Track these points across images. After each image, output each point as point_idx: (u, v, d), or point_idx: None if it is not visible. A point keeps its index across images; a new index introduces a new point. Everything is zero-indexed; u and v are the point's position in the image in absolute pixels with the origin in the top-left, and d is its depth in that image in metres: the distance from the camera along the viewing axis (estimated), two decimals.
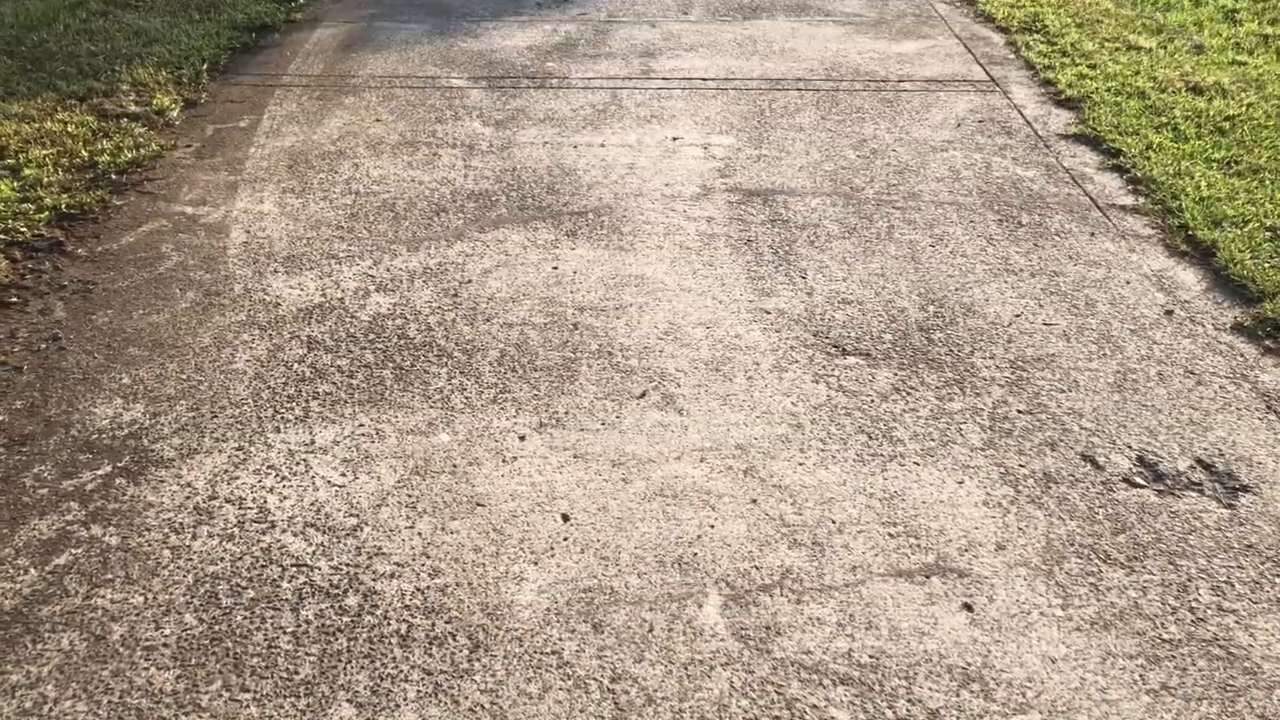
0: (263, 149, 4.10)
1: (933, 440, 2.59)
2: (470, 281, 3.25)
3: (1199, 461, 2.53)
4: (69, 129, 4.08)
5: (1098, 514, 2.36)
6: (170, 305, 3.11)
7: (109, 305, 3.11)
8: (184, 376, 2.81)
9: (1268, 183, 3.78)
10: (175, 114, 4.35)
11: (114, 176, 3.80)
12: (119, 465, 2.48)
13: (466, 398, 2.74)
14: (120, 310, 3.09)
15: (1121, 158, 4.01)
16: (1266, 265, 3.25)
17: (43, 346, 2.93)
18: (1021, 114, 4.47)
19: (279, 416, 2.66)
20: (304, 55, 5.08)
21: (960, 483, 2.45)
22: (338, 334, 2.99)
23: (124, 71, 4.66)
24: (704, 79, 4.86)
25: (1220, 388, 2.78)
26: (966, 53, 5.18)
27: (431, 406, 2.70)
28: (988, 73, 4.91)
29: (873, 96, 4.66)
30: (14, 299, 3.12)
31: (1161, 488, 2.45)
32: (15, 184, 3.64)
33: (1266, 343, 2.96)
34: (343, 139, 4.21)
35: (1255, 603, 2.14)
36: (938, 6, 5.88)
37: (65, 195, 3.62)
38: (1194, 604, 2.13)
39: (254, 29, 5.34)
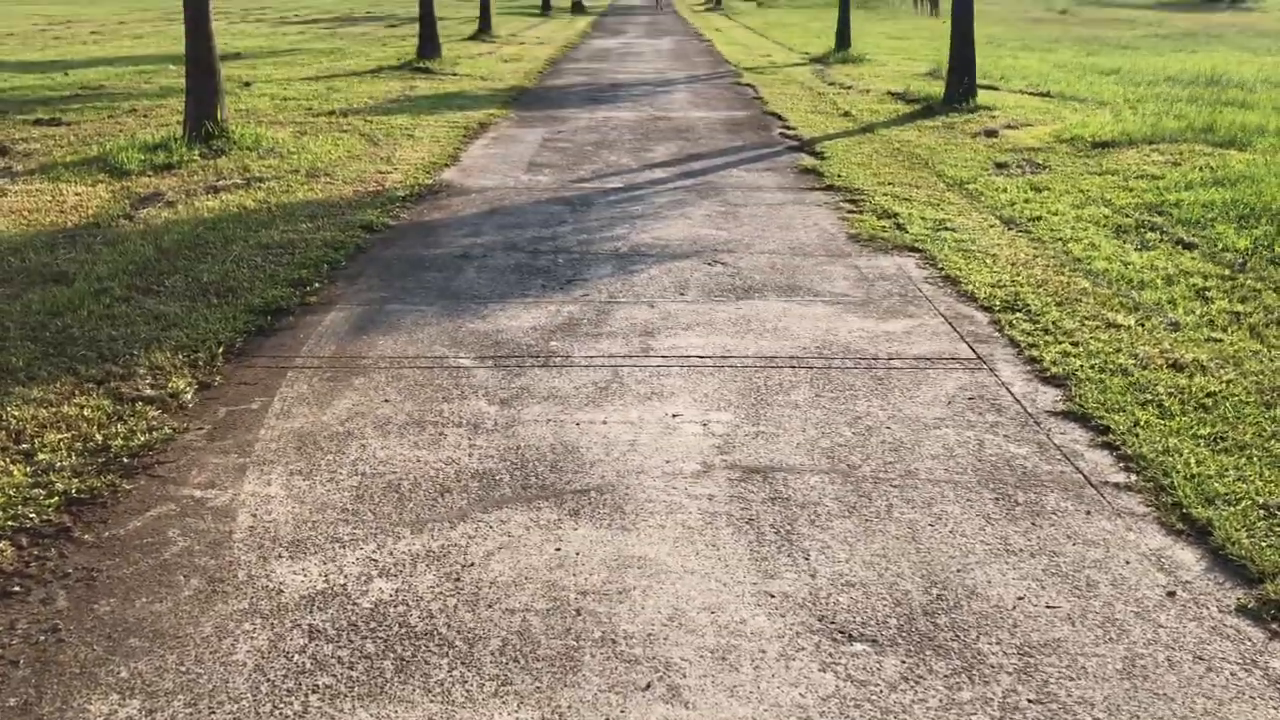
0: (273, 431, 4.21)
1: None
2: (473, 564, 3.27)
3: None
4: (85, 412, 4.20)
5: None
6: (173, 593, 3.11)
7: (112, 593, 3.11)
8: (184, 669, 2.78)
9: (1255, 460, 3.87)
10: (189, 397, 4.49)
11: (126, 460, 3.88)
12: None
13: (468, 690, 2.70)
14: (123, 599, 3.08)
15: (1110, 434, 4.12)
16: (1264, 545, 3.28)
17: (41, 639, 2.90)
18: (1010, 391, 4.62)
19: (277, 712, 2.61)
20: (317, 337, 5.28)
21: None
22: (339, 622, 2.98)
23: (142, 355, 4.85)
24: (701, 357, 5.05)
25: (1231, 674, 2.75)
26: (952, 331, 5.40)
27: (432, 701, 2.66)
28: (974, 351, 5.11)
29: (864, 374, 4.83)
30: (16, 588, 3.12)
31: None
32: (29, 469, 3.72)
33: (1273, 626, 2.95)
34: (351, 420, 4.32)
35: None
36: (922, 287, 6.17)
37: (76, 479, 3.69)
38: None
39: (269, 312, 5.57)
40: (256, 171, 9.17)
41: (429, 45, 20.27)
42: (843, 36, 23.80)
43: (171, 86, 15.38)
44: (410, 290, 6.11)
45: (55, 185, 8.58)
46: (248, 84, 15.90)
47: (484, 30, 28.77)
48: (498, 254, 6.88)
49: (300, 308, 5.74)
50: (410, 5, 42.65)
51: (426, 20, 20.47)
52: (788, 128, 12.67)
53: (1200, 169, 9.44)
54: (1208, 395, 4.50)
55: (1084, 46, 26.47)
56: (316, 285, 6.11)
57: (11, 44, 24.15)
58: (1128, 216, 7.84)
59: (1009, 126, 12.20)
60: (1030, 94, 15.44)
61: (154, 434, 4.07)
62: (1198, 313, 5.66)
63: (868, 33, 30.10)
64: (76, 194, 8.27)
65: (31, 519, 3.44)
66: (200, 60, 10.26)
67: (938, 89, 14.84)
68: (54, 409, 4.23)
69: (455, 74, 18.38)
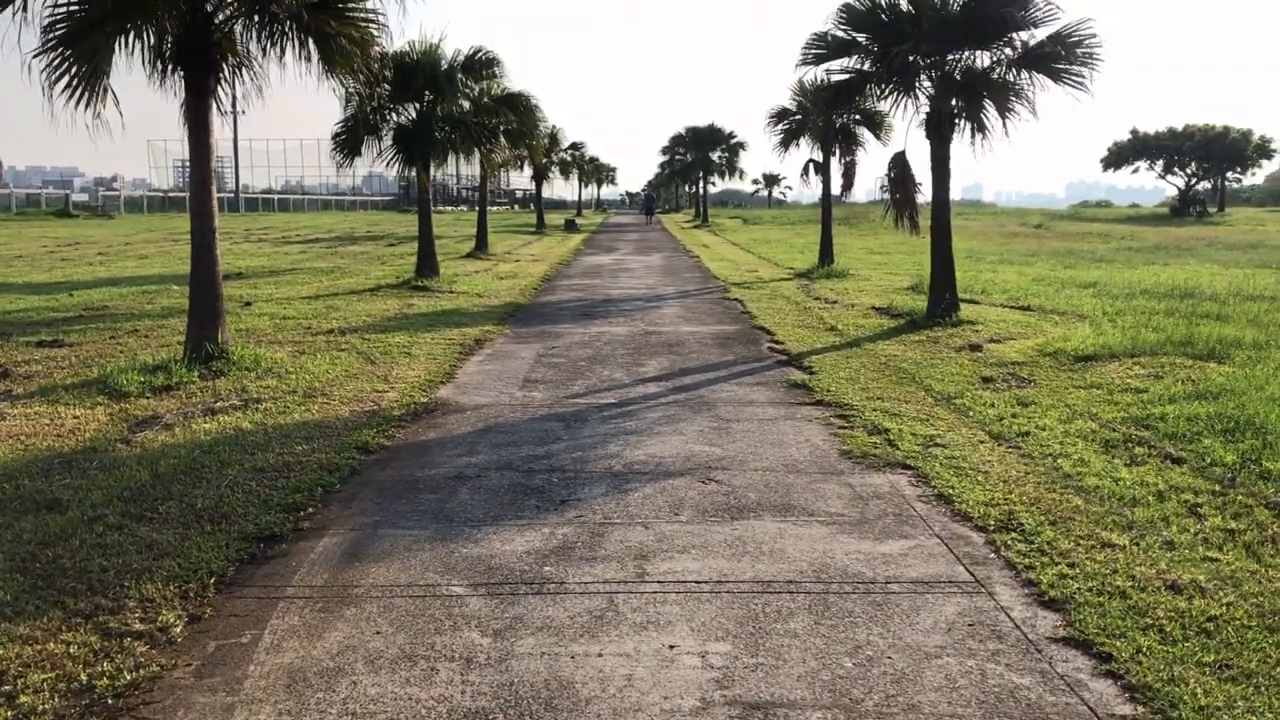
0: (262, 666, 4.12)
1: None
2: None
3: None
4: (71, 650, 4.12)
5: None
6: None
7: None
8: None
9: (1263, 689, 3.81)
10: (178, 630, 4.41)
11: (110, 701, 3.78)
12: None
13: None
14: None
15: (1114, 662, 4.06)
16: None
17: None
18: (1009, 616, 4.57)
19: None
20: (309, 565, 5.24)
21: None
22: None
23: (133, 587, 4.79)
24: (698, 582, 5.00)
25: None
26: (949, 552, 5.38)
27: None
28: (971, 574, 5.08)
29: (863, 599, 4.78)
30: None
31: None
32: (10, 712, 3.62)
33: None
34: (342, 654, 4.24)
35: None
36: (916, 506, 6.19)
37: None
38: None
39: (262, 539, 5.55)
40: (254, 392, 9.30)
41: (427, 264, 20.93)
42: (826, 252, 24.67)
43: (173, 306, 15.77)
44: (404, 514, 6.10)
45: (54, 408, 8.67)
46: (248, 303, 16.30)
47: (481, 248, 29.77)
48: (492, 474, 6.91)
49: (293, 534, 5.71)
50: (409, 224, 44.20)
51: (425, 241, 21.19)
52: (776, 342, 12.97)
53: (1182, 382, 9.63)
54: (1209, 619, 4.45)
55: (1060, 260, 27.43)
56: (310, 510, 6.10)
57: (20, 266, 24.85)
58: (1114, 431, 7.95)
59: (992, 340, 12.51)
60: (1011, 308, 15.89)
61: (141, 672, 3.98)
62: (1192, 530, 5.67)
63: (850, 248, 31.21)
64: (75, 417, 8.35)
65: None
66: (204, 285, 10.57)
67: (921, 303, 15.29)
68: (39, 646, 4.15)
69: (452, 291, 18.90)
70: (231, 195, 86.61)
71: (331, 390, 9.51)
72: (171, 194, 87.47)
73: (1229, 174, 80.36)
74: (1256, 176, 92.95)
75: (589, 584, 5.00)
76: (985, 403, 9.06)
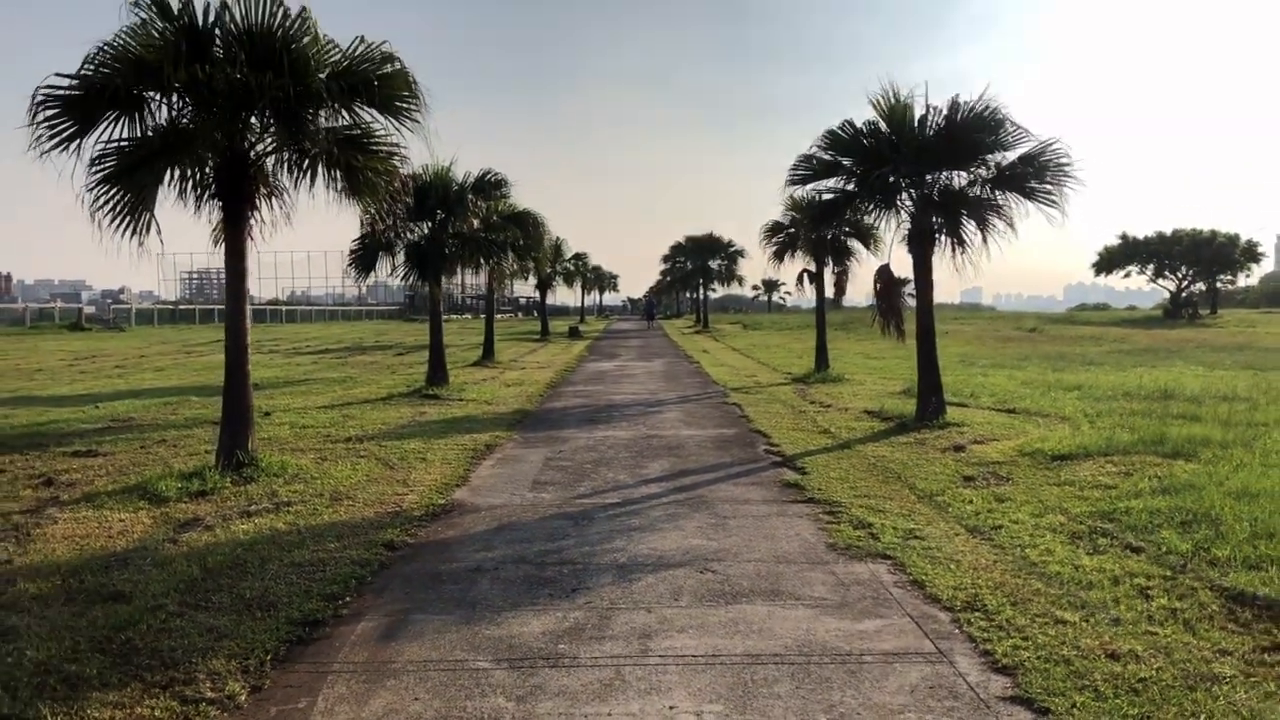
0: None
1: None
2: None
3: None
4: (156, 713, 4.81)
5: None
6: None
7: None
8: None
9: None
10: (243, 698, 5.09)
11: None
12: None
13: None
14: None
15: (1050, 715, 4.73)
16: None
17: None
18: (966, 680, 5.24)
19: None
20: (350, 645, 5.92)
21: None
22: None
23: (200, 663, 5.48)
24: (695, 656, 5.67)
25: None
26: (918, 629, 6.06)
27: None
28: (936, 646, 5.76)
29: (839, 668, 5.46)
30: None
31: None
32: None
33: None
34: (386, 716, 4.91)
35: None
36: (892, 590, 6.87)
37: None
38: None
39: (307, 624, 6.23)
40: (285, 496, 10.02)
41: (438, 373, 21.79)
42: (821, 358, 25.53)
43: (195, 417, 16.55)
44: (431, 601, 6.78)
45: (100, 512, 9.38)
46: (267, 413, 17.07)
47: (488, 356, 30.70)
48: (508, 566, 7.59)
49: (334, 619, 6.39)
50: (415, 333, 45.32)
51: (435, 350, 22.10)
52: (772, 444, 13.71)
53: (1149, 479, 10.32)
54: (1139, 680, 5.12)
55: (1051, 364, 28.18)
56: (347, 599, 6.78)
57: (42, 379, 25.69)
58: (1081, 524, 8.64)
59: (976, 442, 13.24)
60: (997, 410, 16.65)
61: None
62: (1138, 609, 6.34)
63: (847, 353, 32.07)
64: (121, 520, 9.06)
65: None
66: (236, 397, 11.38)
67: (910, 406, 16.05)
68: (129, 710, 4.83)
69: (462, 399, 19.71)
70: None
71: (355, 493, 10.23)
72: (181, 306, 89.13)
73: (1220, 276, 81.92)
74: (1251, 277, 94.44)
75: (599, 658, 5.67)
76: (964, 499, 9.76)
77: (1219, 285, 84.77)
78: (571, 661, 5.63)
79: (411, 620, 6.38)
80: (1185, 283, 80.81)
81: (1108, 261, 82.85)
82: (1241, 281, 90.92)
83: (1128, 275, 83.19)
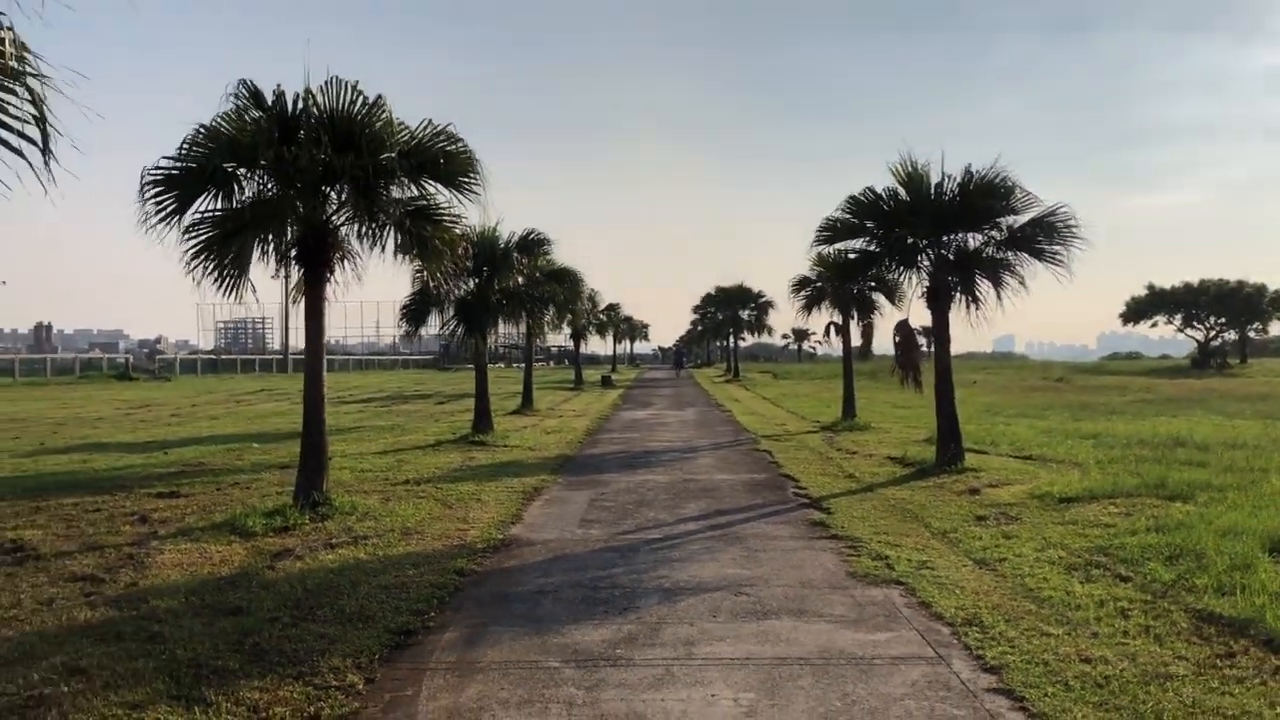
0: (427, 706, 5.89)
1: None
2: None
3: None
4: (295, 694, 5.93)
5: None
6: None
7: None
8: None
9: (1126, 716, 5.48)
10: (360, 686, 6.20)
11: None
12: None
13: None
14: None
15: (1025, 701, 5.77)
16: None
17: None
18: (959, 677, 6.28)
19: None
20: (441, 649, 7.02)
21: None
22: None
23: (320, 660, 6.60)
24: (731, 659, 6.73)
25: None
26: (922, 639, 7.10)
27: None
28: (936, 652, 6.80)
29: (853, 668, 6.50)
30: None
31: None
32: None
33: None
34: (480, 700, 6.00)
35: None
36: (903, 610, 7.91)
37: None
38: None
39: (401, 632, 7.34)
40: (360, 532, 11.17)
41: (483, 420, 22.98)
42: (849, 407, 26.54)
43: (261, 462, 17.78)
44: (503, 617, 7.87)
45: (198, 545, 10.54)
46: (329, 458, 18.29)
47: (526, 404, 31.92)
48: (566, 590, 8.68)
49: (423, 629, 7.50)
50: (453, 382, 46.61)
51: (481, 399, 23.32)
52: (800, 488, 14.76)
53: (1147, 518, 11.28)
54: (1105, 677, 6.14)
55: (1073, 413, 28.93)
56: (431, 614, 7.89)
57: (105, 427, 27.09)
58: (1079, 557, 9.62)
59: (990, 485, 14.23)
60: (1014, 457, 17.62)
61: (346, 708, 5.77)
62: (1116, 625, 7.34)
63: (875, 401, 32.97)
64: (219, 551, 10.22)
65: None
66: (313, 441, 12.60)
67: (932, 453, 17.04)
68: (273, 693, 5.95)
69: (506, 445, 20.88)
70: (280, 356, 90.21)
71: (423, 529, 11.36)
72: (222, 356, 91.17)
73: (1251, 326, 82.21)
74: None
75: (651, 659, 6.74)
76: (974, 536, 10.77)
77: (1251, 335, 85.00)
78: (628, 662, 6.69)
79: (489, 631, 7.48)
80: (1214, 332, 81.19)
81: (1135, 311, 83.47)
82: (1275, 330, 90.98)
83: (1155, 325, 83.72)
